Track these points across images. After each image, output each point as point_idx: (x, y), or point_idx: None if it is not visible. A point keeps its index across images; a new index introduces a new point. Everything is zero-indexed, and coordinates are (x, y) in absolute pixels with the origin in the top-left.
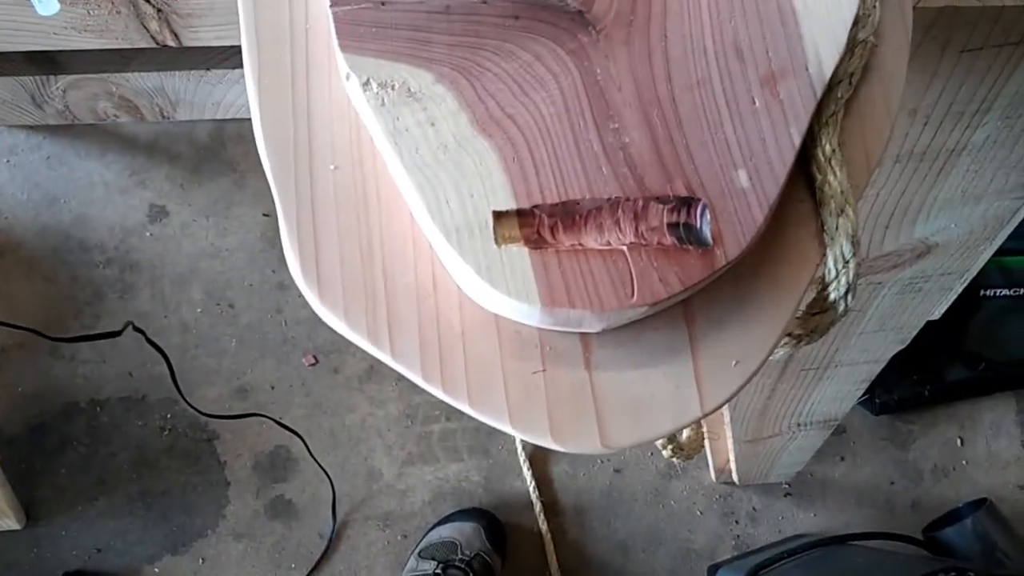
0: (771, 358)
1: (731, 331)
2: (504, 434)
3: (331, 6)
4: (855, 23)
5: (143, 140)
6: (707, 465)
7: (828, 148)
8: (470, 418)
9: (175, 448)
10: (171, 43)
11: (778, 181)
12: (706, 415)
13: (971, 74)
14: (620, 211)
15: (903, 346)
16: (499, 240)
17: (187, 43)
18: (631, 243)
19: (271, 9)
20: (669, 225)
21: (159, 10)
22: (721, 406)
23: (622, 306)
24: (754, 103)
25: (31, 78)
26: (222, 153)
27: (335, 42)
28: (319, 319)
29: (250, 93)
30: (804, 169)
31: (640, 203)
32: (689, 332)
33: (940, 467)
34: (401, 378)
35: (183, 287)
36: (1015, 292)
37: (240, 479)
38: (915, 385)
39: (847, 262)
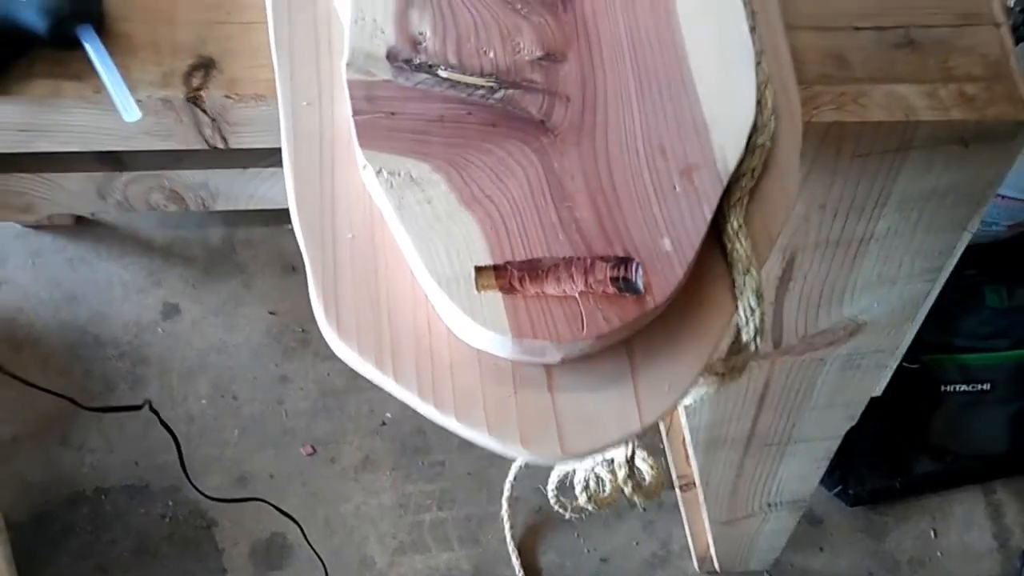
0: (703, 394)
1: (663, 363)
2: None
3: (353, 115)
4: (754, 131)
5: (159, 243)
6: (690, 555)
7: (735, 224)
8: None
9: (175, 535)
10: (220, 146)
11: (694, 246)
12: (644, 428)
13: (864, 174)
14: (573, 268)
15: (853, 423)
16: (479, 287)
17: (233, 145)
18: (582, 291)
19: (305, 118)
20: (611, 279)
21: (213, 120)
22: (656, 420)
23: (575, 338)
24: (675, 189)
25: (100, 174)
26: (233, 257)
27: (355, 142)
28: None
29: (287, 181)
30: (719, 241)
31: (589, 261)
32: (631, 364)
33: (916, 558)
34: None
35: (191, 380)
36: (974, 388)
37: (237, 567)
38: (886, 477)
39: (754, 311)
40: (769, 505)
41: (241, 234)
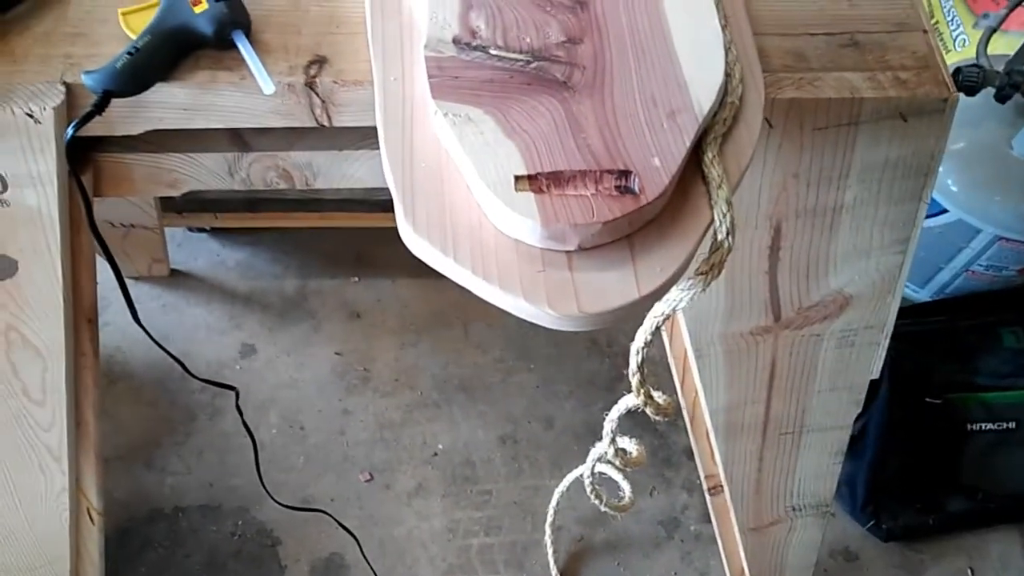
0: (694, 294)
1: (657, 253)
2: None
3: (428, 79)
4: (725, 92)
5: (241, 292)
6: None
7: (711, 155)
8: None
9: (242, 552)
10: (326, 124)
11: (677, 163)
12: (642, 298)
13: (826, 146)
14: (587, 177)
15: (859, 409)
16: (517, 189)
17: (336, 124)
18: (592, 193)
19: (393, 89)
20: (615, 186)
21: (323, 101)
22: (651, 295)
23: (588, 223)
24: (663, 125)
25: (231, 154)
26: (304, 304)
27: (429, 96)
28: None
29: (379, 132)
30: (700, 170)
31: (598, 173)
32: (631, 253)
33: None
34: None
35: (263, 411)
36: (999, 427)
37: None
38: (919, 514)
39: (725, 215)
40: (793, 509)
41: (312, 285)
